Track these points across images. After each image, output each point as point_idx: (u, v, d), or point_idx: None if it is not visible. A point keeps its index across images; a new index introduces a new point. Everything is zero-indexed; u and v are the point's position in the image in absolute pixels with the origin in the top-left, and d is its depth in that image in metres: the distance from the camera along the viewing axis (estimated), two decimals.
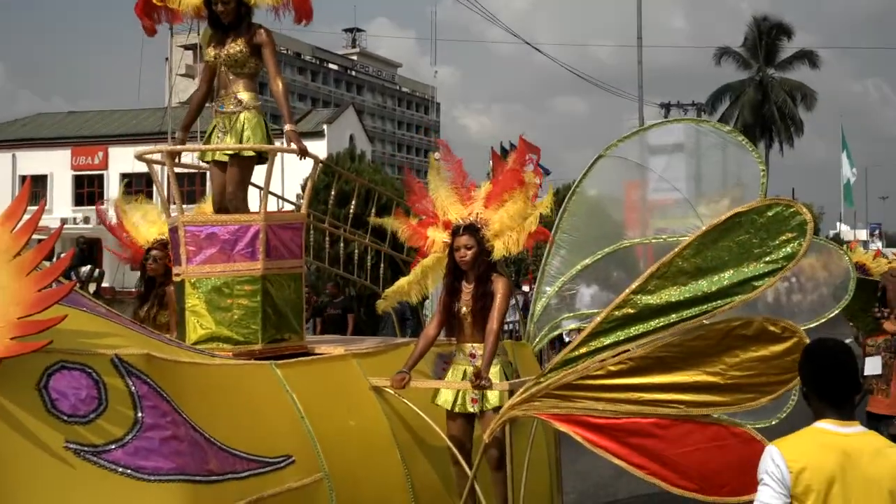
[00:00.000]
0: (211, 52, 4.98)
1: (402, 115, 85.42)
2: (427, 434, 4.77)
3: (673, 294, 3.73)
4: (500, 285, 4.71)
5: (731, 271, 3.67)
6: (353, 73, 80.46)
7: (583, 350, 3.98)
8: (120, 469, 2.99)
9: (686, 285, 3.72)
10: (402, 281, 5.03)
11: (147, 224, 5.86)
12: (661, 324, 3.79)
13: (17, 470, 2.81)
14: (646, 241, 6.34)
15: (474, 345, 4.75)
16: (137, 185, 35.73)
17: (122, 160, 35.69)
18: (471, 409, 4.67)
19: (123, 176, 36.21)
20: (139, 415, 3.12)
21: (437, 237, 4.93)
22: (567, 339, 13.23)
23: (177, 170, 5.04)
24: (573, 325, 6.86)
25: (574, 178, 7.20)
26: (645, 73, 23.83)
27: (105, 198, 34.94)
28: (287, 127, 4.94)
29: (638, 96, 23.72)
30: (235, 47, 4.90)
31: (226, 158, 4.89)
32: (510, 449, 4.42)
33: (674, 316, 3.74)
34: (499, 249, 4.81)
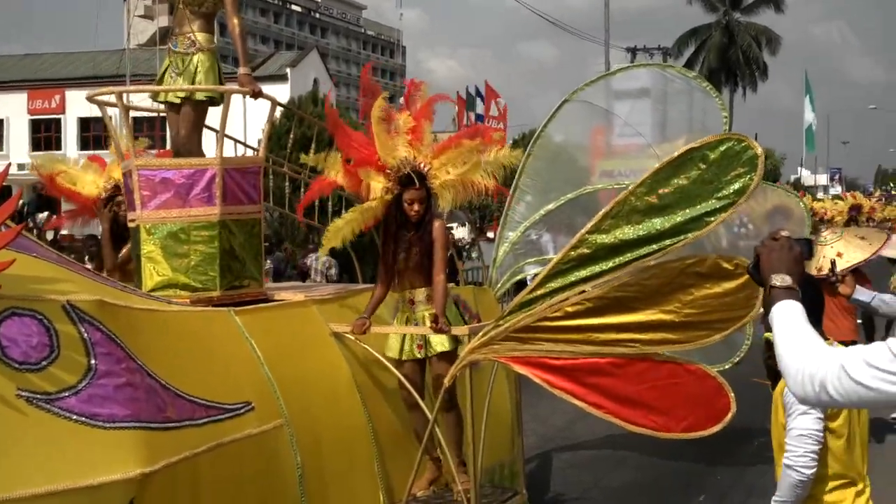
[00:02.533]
0: None
1: (366, 59, 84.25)
2: (387, 379, 4.78)
3: (627, 232, 3.73)
4: (437, 229, 4.63)
5: (684, 208, 3.66)
6: (317, 14, 79.04)
7: (540, 292, 3.99)
8: (74, 416, 2.95)
9: (639, 223, 3.71)
10: (339, 221, 4.82)
11: (88, 178, 5.72)
12: (616, 263, 3.79)
13: None
14: (609, 185, 6.34)
15: (413, 290, 4.72)
16: (96, 130, 35.28)
17: (80, 104, 34.85)
18: (418, 355, 4.66)
19: (81, 120, 35.53)
20: (92, 361, 3.07)
21: (374, 182, 4.68)
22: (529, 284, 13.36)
23: (136, 113, 4.91)
24: (536, 271, 6.89)
25: (538, 122, 7.16)
26: (612, 17, 23.68)
27: (63, 143, 34.24)
28: (241, 70, 4.83)
29: (604, 40, 23.54)
30: None
31: (178, 100, 4.77)
32: (470, 393, 4.44)
33: (628, 255, 3.75)
34: (446, 200, 4.70)
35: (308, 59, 38.95)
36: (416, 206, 4.59)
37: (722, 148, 3.60)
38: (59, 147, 34.31)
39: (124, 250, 5.75)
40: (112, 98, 4.82)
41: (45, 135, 36.36)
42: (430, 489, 4.82)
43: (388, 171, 4.62)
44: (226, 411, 3.71)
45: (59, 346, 3.01)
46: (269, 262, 13.06)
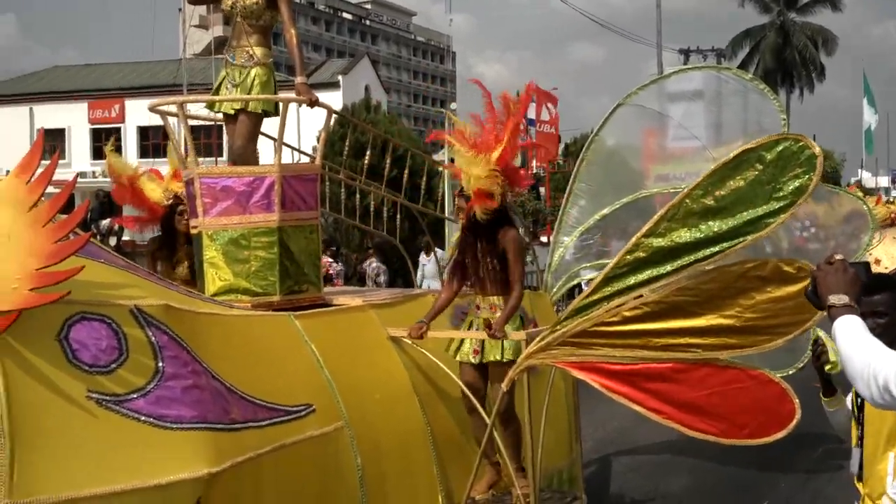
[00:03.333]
0: (228, 1, 4.91)
1: (417, 65, 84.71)
2: (445, 383, 4.80)
3: (684, 235, 3.70)
4: (508, 239, 4.61)
5: (742, 210, 3.62)
6: (368, 22, 79.65)
7: (596, 296, 3.97)
8: (142, 417, 3.02)
9: (696, 226, 3.68)
10: None
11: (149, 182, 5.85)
12: (674, 266, 3.76)
13: (41, 420, 2.85)
14: (665, 189, 6.28)
15: (482, 297, 4.74)
16: (154, 138, 36.05)
17: (138, 113, 35.66)
18: (472, 360, 4.67)
19: (140, 129, 36.31)
20: (159, 364, 3.15)
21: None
22: (585, 289, 13.27)
23: (193, 122, 5.01)
24: (591, 275, 6.86)
25: (590, 127, 7.15)
26: (663, 18, 23.43)
27: (123, 151, 35.02)
28: (298, 79, 4.91)
29: (656, 42, 23.35)
30: None
31: (232, 111, 4.85)
32: (528, 397, 4.44)
33: (686, 258, 3.72)
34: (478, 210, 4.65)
35: (359, 66, 39.31)
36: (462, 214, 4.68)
37: (779, 148, 3.56)
38: (121, 154, 35.06)
39: (173, 263, 5.83)
40: (172, 108, 4.93)
41: (105, 143, 37.22)
42: (489, 493, 4.83)
43: None
44: (287, 413, 3.77)
45: (128, 349, 3.10)
46: (339, 265, 13.23)
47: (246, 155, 4.86)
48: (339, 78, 36.40)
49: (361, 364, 4.52)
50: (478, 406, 4.58)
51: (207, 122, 6.08)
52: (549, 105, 21.37)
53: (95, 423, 2.94)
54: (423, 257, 13.60)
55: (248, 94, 4.81)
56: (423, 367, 4.79)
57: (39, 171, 2.99)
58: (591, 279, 7.40)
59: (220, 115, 5.09)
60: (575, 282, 6.93)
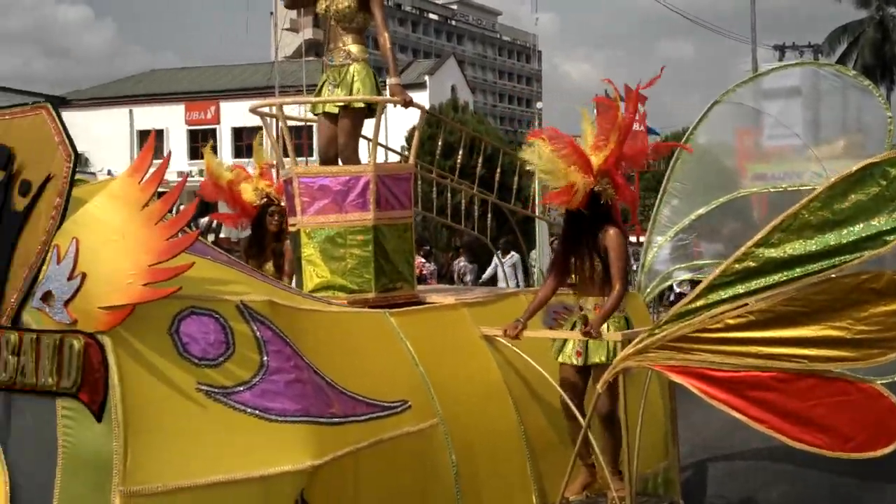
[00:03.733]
0: (322, 5, 5.04)
1: (502, 65, 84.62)
2: (538, 384, 4.78)
3: (797, 247, 3.62)
4: (610, 237, 4.54)
5: (861, 225, 3.52)
6: (453, 22, 79.98)
7: (700, 303, 3.90)
8: (249, 410, 3.11)
9: (812, 238, 3.59)
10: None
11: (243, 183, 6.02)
12: (785, 278, 3.68)
13: (153, 411, 2.96)
14: (764, 189, 6.13)
15: (585, 298, 4.70)
16: (248, 139, 36.98)
17: (234, 114, 36.70)
18: (575, 361, 4.64)
19: (234, 130, 37.33)
20: (264, 358, 3.23)
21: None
22: (677, 290, 13.03)
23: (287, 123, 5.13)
24: (685, 276, 6.74)
25: (681, 125, 7.03)
26: (757, 13, 22.83)
27: (218, 151, 36.02)
28: (391, 80, 4.99)
29: (751, 38, 22.77)
30: (344, 2, 4.95)
31: (336, 110, 4.96)
32: (623, 402, 4.38)
33: (798, 270, 3.63)
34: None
35: (445, 66, 39.58)
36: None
37: None
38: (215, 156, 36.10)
39: (259, 261, 5.99)
40: (272, 110, 5.06)
41: (201, 144, 38.35)
42: (583, 494, 4.79)
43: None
44: (385, 409, 3.82)
45: (234, 343, 3.19)
46: (432, 264, 13.36)
47: (348, 152, 4.96)
48: (426, 78, 36.71)
49: (455, 362, 4.54)
50: (573, 408, 4.55)
51: (299, 123, 6.20)
52: (639, 104, 21.06)
53: (204, 414, 3.04)
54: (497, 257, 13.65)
55: (350, 90, 4.91)
56: (516, 367, 4.78)
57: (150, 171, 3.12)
58: (683, 280, 7.30)
59: (312, 116, 5.21)
60: (668, 283, 6.82)
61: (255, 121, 5.24)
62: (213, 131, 37.92)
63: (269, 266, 6.12)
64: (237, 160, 35.77)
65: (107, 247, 3.00)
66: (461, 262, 13.54)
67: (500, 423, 4.55)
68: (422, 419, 4.03)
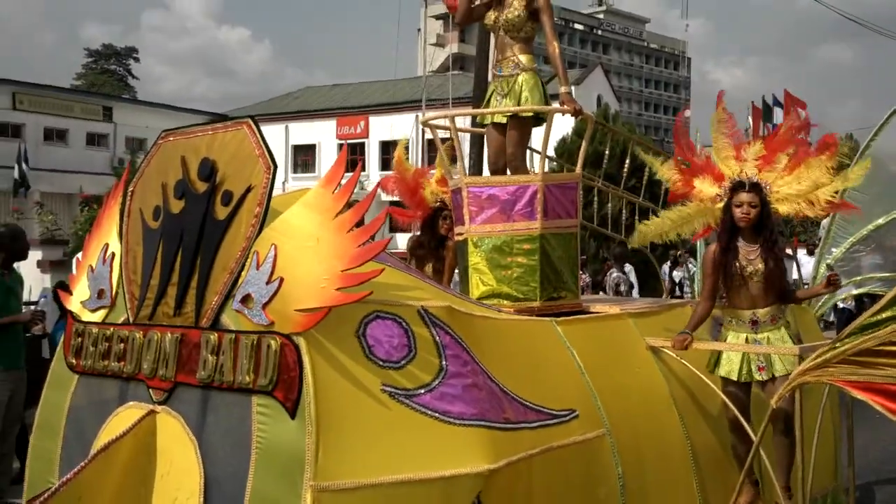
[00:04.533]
0: (491, 16, 5.15)
1: (649, 73, 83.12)
2: (704, 397, 4.70)
3: None
4: (781, 249, 4.57)
5: None
6: (599, 31, 79.19)
7: (886, 314, 3.73)
8: (429, 412, 3.21)
9: None
10: (659, 220, 4.98)
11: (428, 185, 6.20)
12: None
13: (343, 410, 3.10)
14: None
15: (756, 310, 4.59)
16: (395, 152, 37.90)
17: (381, 128, 37.72)
18: (757, 377, 4.53)
19: (382, 143, 38.36)
20: (443, 363, 3.33)
21: (705, 188, 4.82)
22: (841, 306, 12.42)
23: (446, 134, 5.26)
24: (856, 291, 6.45)
25: (840, 132, 6.74)
26: None
27: (367, 165, 37.10)
28: (562, 89, 5.03)
29: None
30: (514, 11, 5.05)
31: (504, 120, 5.06)
32: (800, 417, 4.25)
33: None
34: (783, 211, 4.64)
35: (592, 76, 39.23)
36: (744, 208, 4.55)
37: None
38: (364, 168, 37.27)
39: (431, 263, 6.18)
40: (444, 122, 5.21)
41: (351, 157, 39.68)
42: None
43: (724, 183, 4.70)
44: (554, 417, 3.85)
45: (416, 347, 3.31)
46: (586, 275, 13.33)
47: (517, 161, 5.04)
48: (572, 89, 36.47)
49: (620, 372, 4.52)
50: (744, 423, 4.44)
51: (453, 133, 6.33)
52: (799, 110, 20.19)
53: (389, 414, 3.15)
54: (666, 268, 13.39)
55: (518, 100, 5.00)
56: (681, 378, 4.71)
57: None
58: (852, 296, 6.98)
59: (479, 129, 5.33)
60: (840, 297, 6.54)
61: (401, 134, 5.43)
62: (363, 145, 39.09)
63: (429, 268, 6.30)
64: (383, 172, 36.68)
65: (302, 253, 3.18)
66: (614, 273, 13.35)
67: (666, 435, 4.49)
68: (589, 429, 4.03)
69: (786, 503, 4.41)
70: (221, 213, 3.41)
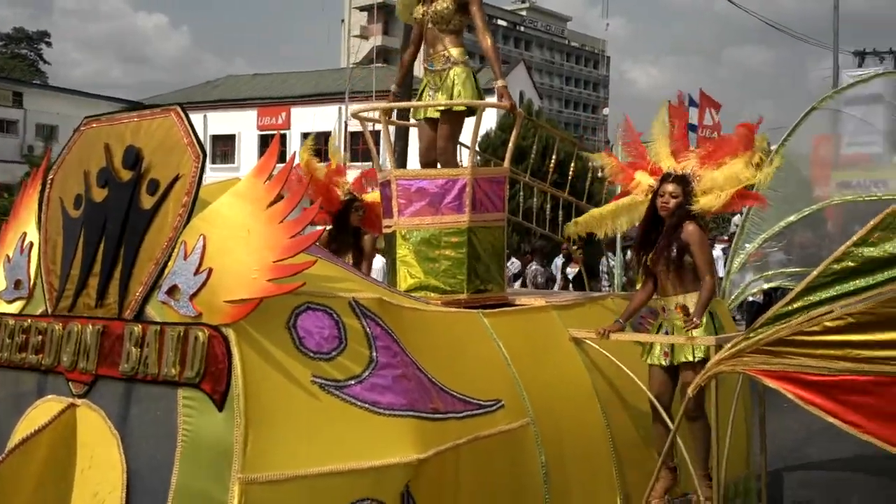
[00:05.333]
0: (419, 10, 5.16)
1: (570, 71, 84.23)
2: (626, 387, 4.82)
3: None
4: (690, 232, 4.59)
5: None
6: (522, 28, 79.90)
7: (797, 304, 3.87)
8: (359, 403, 3.23)
9: None
10: (596, 211, 5.11)
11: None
12: (885, 277, 3.63)
13: (273, 402, 3.09)
14: (858, 198, 6.06)
15: (665, 298, 4.73)
16: (318, 143, 37.53)
17: (303, 119, 37.31)
18: (662, 363, 4.67)
19: (304, 135, 37.96)
20: (373, 354, 3.35)
21: (644, 180, 4.95)
22: (750, 300, 12.84)
23: (378, 127, 5.26)
24: (768, 285, 6.69)
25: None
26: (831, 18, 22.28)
27: (287, 156, 36.71)
28: (499, 83, 5.05)
29: (833, 44, 22.28)
30: (442, 3, 5.06)
31: (437, 115, 5.07)
32: (716, 405, 4.40)
33: None
34: (701, 204, 4.77)
35: (515, 72, 39.49)
36: (665, 198, 4.66)
37: None
38: (284, 160, 36.71)
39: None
40: (373, 114, 5.20)
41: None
42: (665, 499, 4.80)
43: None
44: (481, 407, 3.91)
45: (347, 338, 3.32)
46: (510, 268, 13.45)
47: (447, 155, 5.07)
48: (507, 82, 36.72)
49: (545, 363, 4.61)
50: (661, 411, 4.57)
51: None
52: (712, 111, 20.78)
53: (319, 406, 3.16)
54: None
55: (451, 93, 5.02)
56: (603, 370, 4.83)
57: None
58: (761, 290, 7.23)
59: (407, 123, 5.34)
60: (751, 292, 6.77)
61: (324, 126, 5.42)
62: (284, 136, 38.61)
63: (347, 260, 6.28)
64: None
65: (233, 243, 3.15)
66: (533, 266, 13.55)
67: (588, 425, 4.60)
68: (514, 418, 4.11)
69: (703, 489, 4.56)
70: (147, 202, 3.35)
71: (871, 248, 3.60)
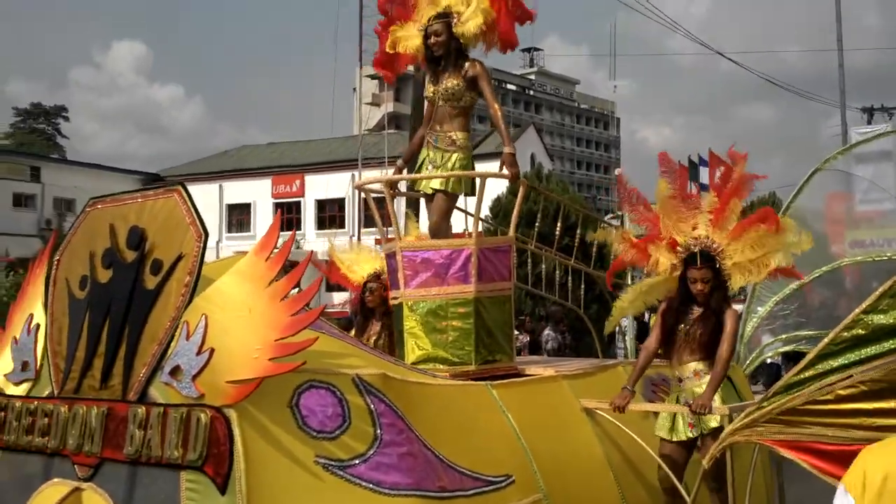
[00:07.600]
0: (430, 89, 5.20)
1: (580, 132, 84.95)
2: (639, 458, 4.73)
3: None
4: (730, 316, 4.61)
5: None
6: (531, 92, 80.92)
7: (809, 373, 3.82)
8: (363, 483, 3.17)
9: None
10: (623, 301, 5.04)
11: (362, 263, 6.21)
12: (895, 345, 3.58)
13: (275, 484, 3.05)
14: (868, 258, 6.00)
15: (681, 366, 4.67)
16: (330, 210, 37.87)
17: (317, 187, 37.65)
18: (690, 434, 4.58)
19: (318, 202, 38.26)
20: (378, 431, 3.30)
21: (663, 258, 4.81)
22: (769, 362, 12.69)
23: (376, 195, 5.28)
24: (785, 349, 6.61)
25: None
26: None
27: (302, 224, 36.90)
28: (506, 150, 5.06)
29: (840, 102, 22.41)
30: (452, 81, 5.08)
31: (431, 191, 5.08)
32: (731, 474, 4.30)
33: None
34: (737, 282, 4.74)
35: (525, 135, 39.90)
36: (699, 286, 4.61)
37: None
38: (299, 227, 37.02)
39: (365, 336, 6.14)
40: (378, 186, 5.22)
41: (287, 216, 39.38)
42: None
43: (679, 249, 4.73)
44: (490, 483, 3.83)
45: (351, 416, 3.28)
46: (526, 336, 13.33)
47: (440, 231, 5.07)
48: (516, 149, 37.00)
49: (556, 435, 4.53)
50: (677, 484, 4.48)
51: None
52: (722, 169, 20.82)
53: (321, 487, 3.11)
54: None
55: (448, 180, 5.02)
56: (615, 440, 4.74)
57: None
58: (780, 353, 7.14)
59: (415, 193, 5.36)
60: (768, 355, 6.69)
61: (337, 193, 5.43)
62: (298, 204, 38.92)
63: (377, 327, 6.24)
64: (320, 231, 36.45)
65: (234, 322, 3.14)
66: (546, 332, 13.46)
67: (602, 498, 4.50)
68: (525, 494, 4.02)
69: None
70: (151, 282, 3.36)
71: (881, 316, 3.56)
